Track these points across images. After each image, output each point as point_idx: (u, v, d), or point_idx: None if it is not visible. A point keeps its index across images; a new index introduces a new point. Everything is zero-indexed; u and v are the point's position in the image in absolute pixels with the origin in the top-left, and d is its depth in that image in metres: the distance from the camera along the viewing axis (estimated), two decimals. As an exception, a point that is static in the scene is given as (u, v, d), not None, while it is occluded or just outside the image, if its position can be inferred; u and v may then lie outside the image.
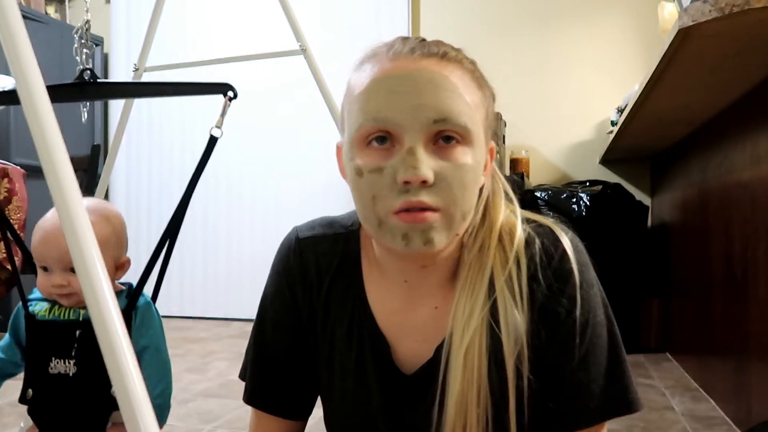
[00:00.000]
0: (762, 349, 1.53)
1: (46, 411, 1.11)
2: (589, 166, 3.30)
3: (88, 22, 1.34)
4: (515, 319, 0.68)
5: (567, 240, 0.72)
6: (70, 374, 1.09)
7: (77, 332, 1.09)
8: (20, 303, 1.12)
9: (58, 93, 1.27)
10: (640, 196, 3.11)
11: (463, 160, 0.65)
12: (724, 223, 1.88)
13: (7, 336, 1.15)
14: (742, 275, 1.68)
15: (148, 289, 1.15)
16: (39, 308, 1.11)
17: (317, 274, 0.79)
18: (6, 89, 1.64)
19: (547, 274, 0.70)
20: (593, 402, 0.69)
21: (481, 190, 0.74)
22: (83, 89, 1.28)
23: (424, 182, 0.63)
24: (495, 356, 0.69)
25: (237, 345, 2.91)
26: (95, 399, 1.08)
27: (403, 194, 0.63)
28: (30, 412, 1.12)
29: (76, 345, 1.09)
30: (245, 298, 3.68)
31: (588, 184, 2.98)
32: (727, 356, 1.82)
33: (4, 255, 2.08)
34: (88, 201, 1.12)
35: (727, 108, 1.86)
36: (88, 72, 1.32)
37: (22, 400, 1.11)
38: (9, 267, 2.10)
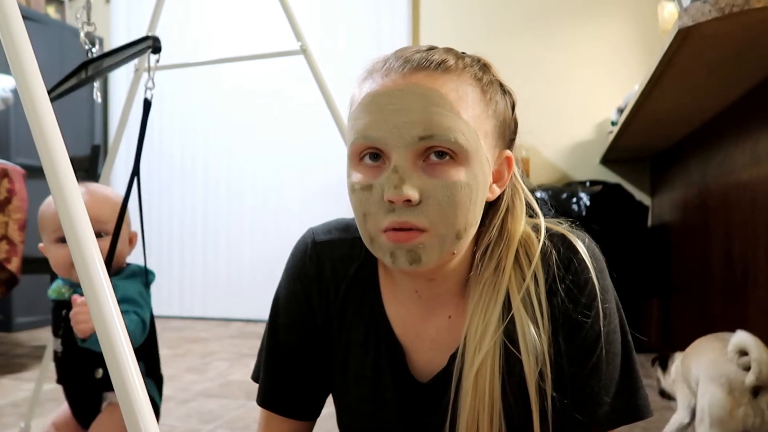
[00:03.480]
0: (762, 349, 1.53)
1: (65, 376, 1.18)
2: (589, 166, 3.30)
3: (88, 1, 1.33)
4: (534, 338, 0.67)
5: (583, 248, 0.71)
6: (59, 353, 1.13)
7: (63, 312, 1.11)
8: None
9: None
10: (640, 196, 3.12)
11: (455, 178, 0.63)
12: (724, 223, 1.88)
13: None
14: (742, 275, 1.68)
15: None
16: (53, 286, 1.17)
17: (334, 280, 0.78)
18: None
19: (564, 285, 0.69)
20: (603, 409, 0.69)
21: (498, 202, 0.73)
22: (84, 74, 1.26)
23: (408, 201, 0.62)
24: (512, 377, 0.68)
25: (237, 345, 2.91)
26: (80, 377, 1.12)
27: (390, 213, 0.63)
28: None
29: (62, 324, 1.11)
30: (245, 298, 3.68)
31: (588, 184, 2.98)
32: (727, 356, 1.82)
33: (5, 255, 2.08)
34: (84, 187, 1.18)
35: (727, 108, 1.86)
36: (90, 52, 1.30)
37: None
38: (9, 267, 2.10)
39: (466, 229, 0.66)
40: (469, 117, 0.64)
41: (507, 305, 0.69)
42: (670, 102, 1.86)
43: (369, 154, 0.65)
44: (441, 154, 0.63)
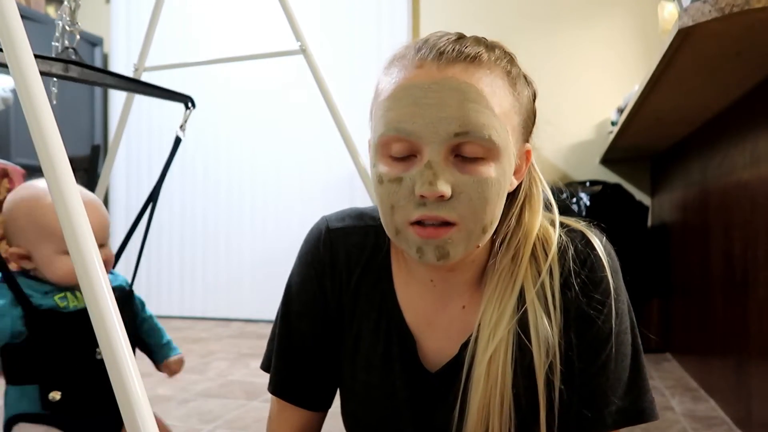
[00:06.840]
0: (762, 349, 1.53)
1: (82, 406, 1.05)
2: (589, 166, 3.30)
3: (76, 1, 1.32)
4: (546, 330, 0.67)
5: (600, 246, 0.72)
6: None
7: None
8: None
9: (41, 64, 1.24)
10: (640, 196, 3.11)
11: (486, 174, 0.63)
12: (724, 223, 1.88)
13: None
14: (742, 275, 1.68)
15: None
16: (60, 300, 1.06)
17: (347, 267, 0.78)
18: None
19: (579, 281, 0.69)
20: (609, 408, 0.69)
21: (516, 192, 0.73)
22: (68, 67, 1.25)
23: (441, 197, 0.62)
24: (522, 367, 0.68)
25: (237, 345, 2.91)
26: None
27: (421, 207, 0.63)
28: (51, 418, 1.03)
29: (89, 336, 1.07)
30: (245, 298, 3.68)
31: (588, 184, 2.97)
32: (727, 356, 1.82)
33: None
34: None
35: (727, 108, 1.86)
36: (72, 51, 1.30)
37: (46, 406, 1.02)
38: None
39: (492, 223, 0.66)
40: (500, 113, 0.64)
41: (521, 296, 0.69)
42: (670, 102, 1.86)
43: (397, 147, 0.64)
44: (471, 151, 0.63)
